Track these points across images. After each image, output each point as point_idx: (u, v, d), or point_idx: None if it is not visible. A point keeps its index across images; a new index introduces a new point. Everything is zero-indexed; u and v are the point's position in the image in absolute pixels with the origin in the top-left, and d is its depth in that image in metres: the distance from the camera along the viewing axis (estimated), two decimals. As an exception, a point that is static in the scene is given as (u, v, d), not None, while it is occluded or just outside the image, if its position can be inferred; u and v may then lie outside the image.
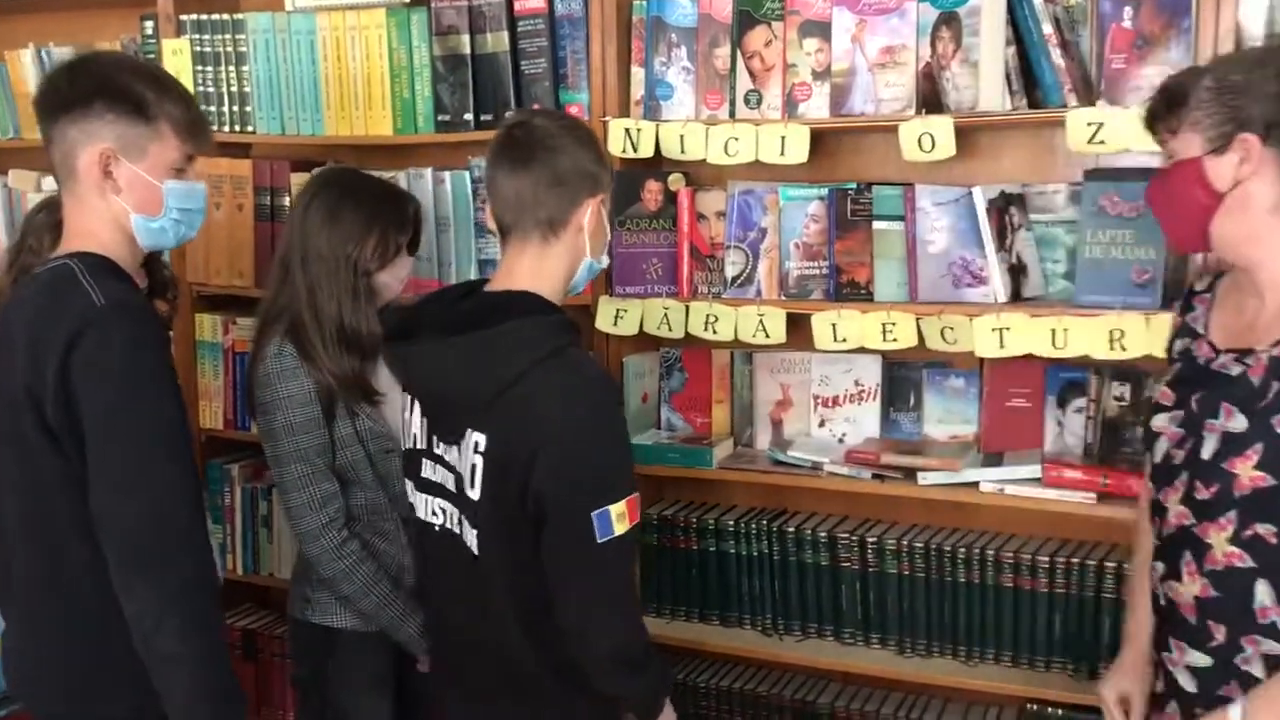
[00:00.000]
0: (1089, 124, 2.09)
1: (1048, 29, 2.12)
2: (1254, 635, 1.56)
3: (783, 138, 2.31)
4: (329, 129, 2.75)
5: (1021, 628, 2.35)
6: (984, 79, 2.17)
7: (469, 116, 2.59)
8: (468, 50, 2.57)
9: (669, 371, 2.68)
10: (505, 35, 2.53)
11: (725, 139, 2.35)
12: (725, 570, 2.58)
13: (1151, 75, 2.09)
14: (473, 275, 2.64)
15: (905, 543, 2.43)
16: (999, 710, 2.47)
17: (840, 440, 2.54)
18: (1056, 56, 2.13)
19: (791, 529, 2.52)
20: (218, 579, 1.78)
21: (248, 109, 2.82)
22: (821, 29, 2.30)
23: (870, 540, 2.45)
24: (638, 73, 2.47)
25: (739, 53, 2.36)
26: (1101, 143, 2.09)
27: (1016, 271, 2.30)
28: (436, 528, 1.84)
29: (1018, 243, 2.31)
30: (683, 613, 2.63)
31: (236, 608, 3.06)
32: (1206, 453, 1.57)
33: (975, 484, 2.29)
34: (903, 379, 2.51)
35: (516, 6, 2.52)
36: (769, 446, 2.56)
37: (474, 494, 1.72)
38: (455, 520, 1.80)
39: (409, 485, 1.92)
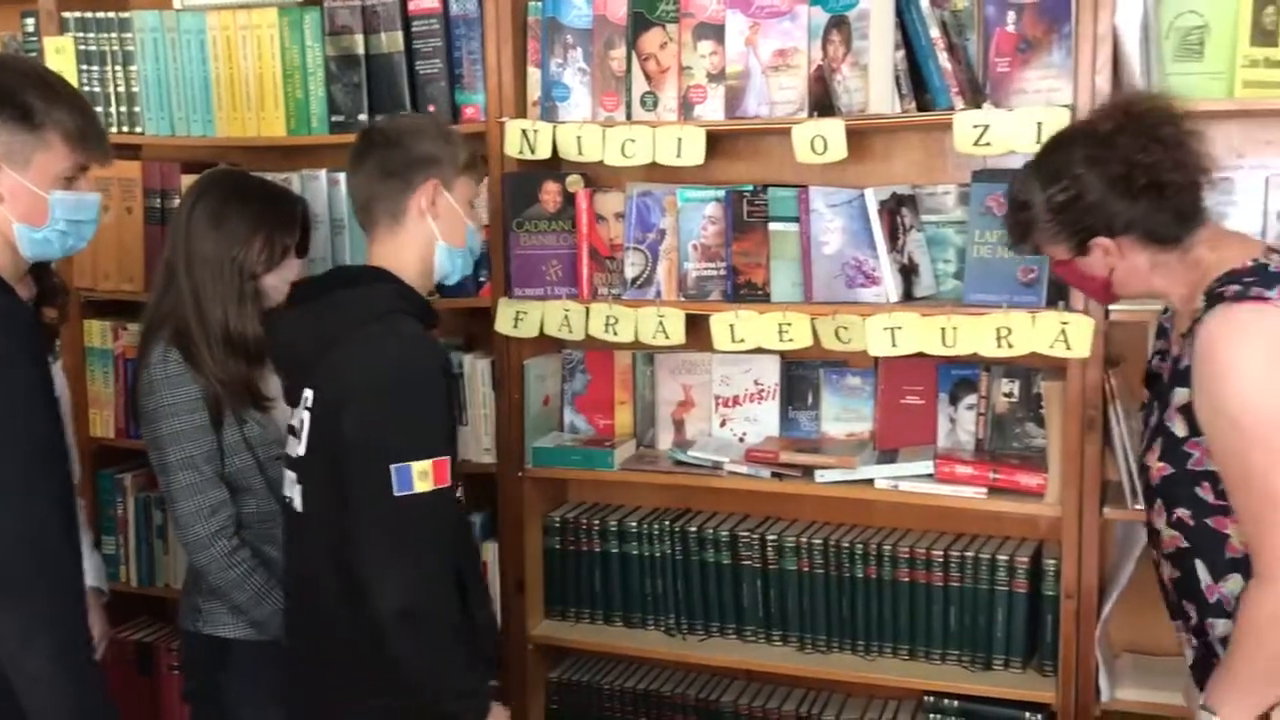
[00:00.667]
0: (975, 126, 2.13)
1: (935, 33, 2.16)
2: (1210, 617, 1.63)
3: (679, 139, 2.32)
4: (221, 130, 2.70)
5: (918, 621, 2.39)
6: (874, 82, 2.20)
7: (364, 117, 2.55)
8: (361, 50, 2.54)
9: (571, 374, 2.67)
10: (400, 35, 2.50)
11: (622, 140, 2.35)
12: (628, 572, 2.59)
13: (1034, 78, 2.15)
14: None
15: (804, 540, 2.45)
16: (898, 703, 2.50)
17: (741, 439, 2.55)
18: (944, 60, 2.16)
19: (694, 529, 2.53)
20: (85, 600, 1.71)
21: (136, 109, 2.74)
22: (715, 31, 2.31)
23: (770, 538, 2.47)
24: (534, 74, 2.46)
25: (634, 55, 2.37)
26: (988, 144, 2.13)
27: (908, 271, 2.34)
28: (293, 504, 1.88)
29: (909, 243, 2.35)
30: (586, 615, 2.63)
31: (131, 620, 2.97)
32: (1141, 448, 1.70)
33: (870, 481, 2.33)
34: (801, 378, 2.54)
35: (411, 6, 2.49)
36: (671, 447, 2.57)
37: (300, 449, 1.82)
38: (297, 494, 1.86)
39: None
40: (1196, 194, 1.59)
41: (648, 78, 2.37)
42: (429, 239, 1.86)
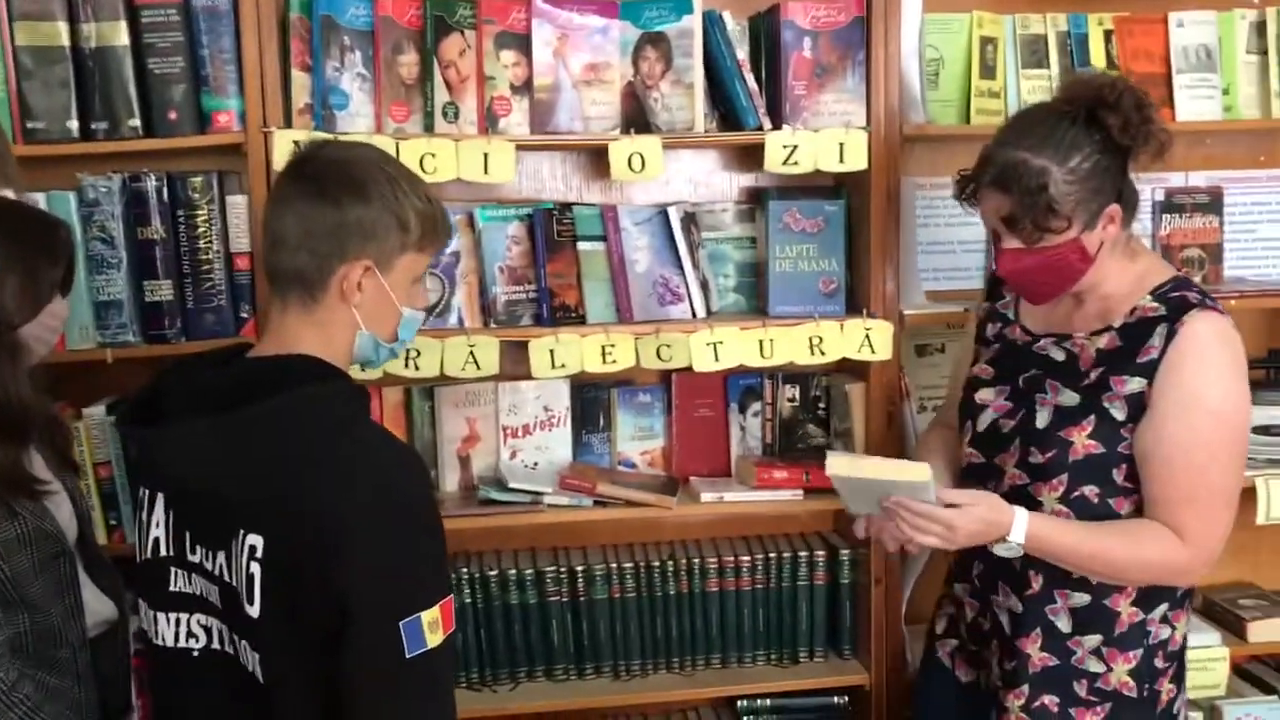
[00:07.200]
0: (784, 146, 2.23)
1: (741, 55, 2.22)
2: (1065, 589, 1.78)
3: (485, 154, 2.16)
4: None
5: (728, 629, 2.44)
6: (697, 100, 2.22)
7: (72, 124, 2.07)
8: (66, 42, 2.06)
9: (329, 417, 2.37)
10: (123, 26, 2.06)
11: (421, 154, 2.13)
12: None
13: (829, 101, 2.29)
14: (88, 321, 2.12)
15: (613, 566, 2.39)
16: (716, 713, 2.53)
17: (533, 468, 2.43)
18: (750, 81, 2.24)
19: (493, 571, 2.36)
20: None
21: None
22: (518, 41, 2.18)
23: (578, 569, 2.38)
24: (300, 78, 2.15)
25: (435, 61, 2.16)
26: (795, 163, 2.23)
27: (704, 287, 2.38)
28: (195, 653, 1.46)
29: (700, 259, 2.39)
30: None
31: None
32: (1041, 423, 1.76)
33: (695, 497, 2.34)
34: (592, 400, 2.47)
35: (138, -9, 2.07)
36: (459, 487, 2.37)
37: (253, 610, 1.38)
38: (226, 640, 1.44)
39: (143, 605, 1.52)
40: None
41: (448, 87, 2.18)
42: (349, 325, 1.47)
